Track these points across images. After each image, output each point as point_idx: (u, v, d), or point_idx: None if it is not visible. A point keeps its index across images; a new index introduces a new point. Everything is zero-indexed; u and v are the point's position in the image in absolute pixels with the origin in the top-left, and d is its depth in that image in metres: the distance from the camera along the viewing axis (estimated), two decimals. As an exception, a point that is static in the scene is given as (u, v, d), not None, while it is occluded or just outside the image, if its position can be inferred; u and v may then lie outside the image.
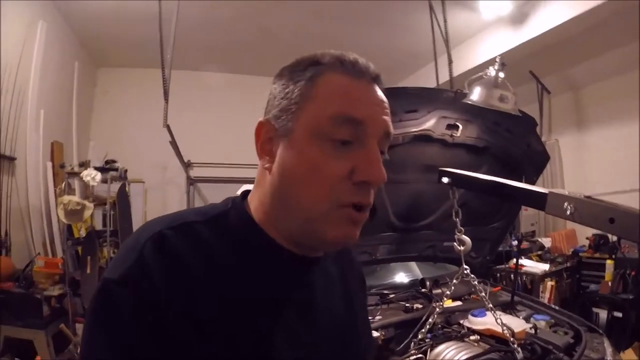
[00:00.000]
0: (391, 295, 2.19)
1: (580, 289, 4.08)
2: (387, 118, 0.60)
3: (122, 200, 4.03)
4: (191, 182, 6.00)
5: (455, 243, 1.62)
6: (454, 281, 1.68)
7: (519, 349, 1.51)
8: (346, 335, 0.68)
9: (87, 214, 3.46)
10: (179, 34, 3.06)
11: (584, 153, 4.93)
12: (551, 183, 5.03)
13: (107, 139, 5.34)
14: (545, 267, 4.00)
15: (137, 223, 4.53)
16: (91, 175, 3.47)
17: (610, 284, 3.65)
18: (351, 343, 0.68)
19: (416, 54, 5.13)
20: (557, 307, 2.24)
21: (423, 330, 1.65)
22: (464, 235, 1.59)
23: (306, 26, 4.66)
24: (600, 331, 1.90)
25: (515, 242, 4.16)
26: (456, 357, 1.59)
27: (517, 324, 1.82)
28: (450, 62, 3.61)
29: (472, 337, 1.77)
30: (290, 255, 0.61)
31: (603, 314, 3.58)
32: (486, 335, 1.78)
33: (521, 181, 1.96)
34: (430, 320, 1.66)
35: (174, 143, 3.88)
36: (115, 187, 4.03)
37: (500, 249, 3.51)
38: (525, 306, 2.24)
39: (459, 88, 2.06)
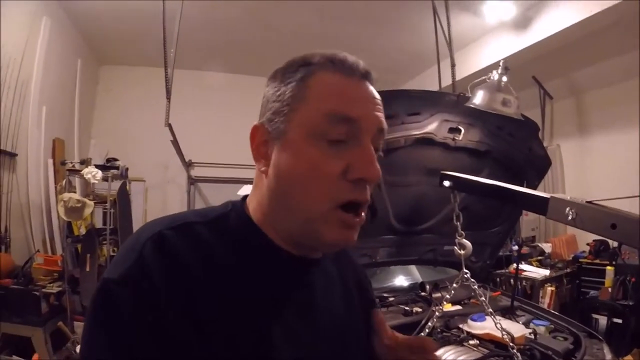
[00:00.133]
0: (391, 299, 2.19)
1: (580, 294, 4.07)
2: (380, 114, 0.60)
3: (123, 199, 4.03)
4: (192, 181, 6.00)
5: (455, 247, 1.61)
6: (454, 285, 1.67)
7: (518, 354, 1.50)
8: (346, 335, 0.68)
9: (87, 211, 3.46)
10: (181, 33, 3.06)
11: (585, 158, 4.93)
12: (552, 188, 5.03)
13: (109, 137, 5.34)
14: (546, 272, 3.99)
15: (137, 222, 4.53)
16: (92, 173, 3.47)
17: (610, 290, 3.64)
18: (351, 343, 0.68)
19: (419, 56, 5.13)
20: (556, 313, 2.23)
21: (422, 334, 1.64)
22: (464, 239, 1.58)
23: (309, 27, 4.66)
24: (600, 337, 1.89)
25: (515, 247, 4.15)
26: (455, 362, 1.59)
27: (517, 329, 1.81)
28: (453, 65, 3.61)
29: (471, 342, 1.76)
30: (290, 256, 0.62)
31: (603, 320, 3.57)
32: (485, 340, 1.77)
33: (523, 186, 1.95)
34: (429, 324, 1.65)
35: (175, 142, 3.88)
36: (116, 185, 4.03)
37: (500, 253, 3.50)
38: (524, 311, 2.23)
39: (461, 91, 2.05)
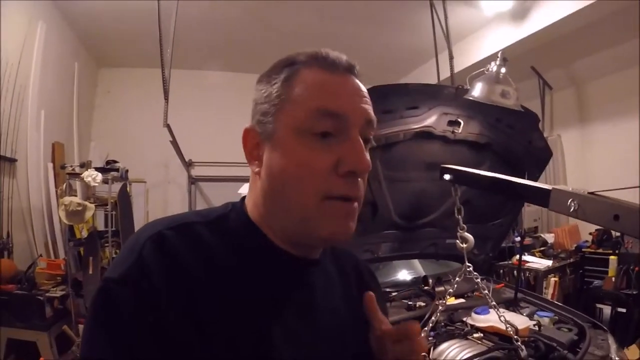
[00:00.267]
0: (394, 293, 2.19)
1: (584, 284, 4.06)
2: (366, 106, 0.61)
3: (124, 201, 4.02)
4: (192, 181, 6.00)
5: (457, 240, 1.60)
6: (457, 279, 1.66)
7: (523, 347, 1.49)
8: (346, 335, 0.68)
9: (88, 214, 3.45)
10: (180, 33, 3.05)
11: (586, 148, 4.91)
12: (553, 178, 5.01)
13: (109, 139, 5.35)
14: (549, 263, 3.98)
15: (138, 223, 4.53)
16: (92, 176, 3.46)
17: (614, 279, 3.64)
18: (352, 343, 0.68)
19: (417, 50, 5.10)
20: (560, 304, 2.23)
21: (426, 328, 1.64)
22: (466, 233, 1.57)
23: (308, 24, 4.64)
24: (605, 328, 1.89)
25: (518, 238, 4.15)
26: (459, 356, 1.58)
27: (521, 321, 1.81)
28: (451, 58, 3.59)
29: (475, 335, 1.76)
30: (289, 256, 0.62)
31: (607, 310, 3.57)
32: (489, 333, 1.77)
33: (524, 178, 1.94)
34: (433, 318, 1.64)
35: (174, 142, 3.87)
36: (117, 187, 4.03)
37: (503, 245, 3.50)
38: (528, 303, 2.23)
39: (460, 84, 2.04)
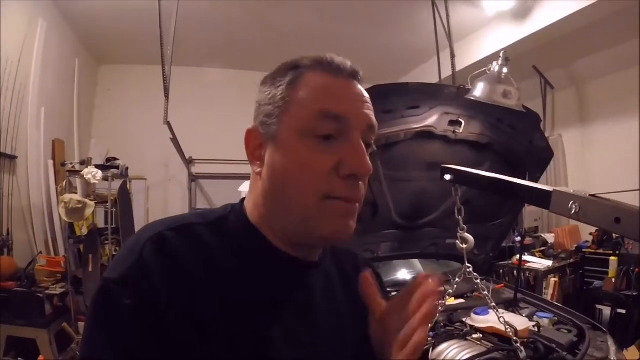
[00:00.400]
0: (393, 293, 2.18)
1: (584, 285, 4.05)
2: (369, 112, 0.62)
3: (124, 198, 4.02)
4: (193, 178, 5.99)
5: (457, 241, 1.60)
6: (457, 279, 1.66)
7: (522, 348, 1.49)
8: (347, 336, 0.68)
9: (88, 212, 3.45)
10: (181, 30, 3.05)
11: (588, 148, 4.90)
12: (555, 178, 5.00)
13: (109, 136, 5.34)
14: (549, 263, 3.97)
15: (139, 220, 4.53)
16: (92, 173, 3.46)
17: (614, 280, 3.63)
18: (352, 344, 0.68)
19: (418, 49, 5.09)
20: (560, 305, 2.22)
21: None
22: (466, 233, 1.57)
23: (308, 23, 4.62)
24: (604, 329, 1.88)
25: (518, 238, 4.14)
26: (458, 357, 1.58)
27: (520, 322, 1.80)
28: (452, 56, 3.59)
29: (474, 336, 1.76)
30: (288, 258, 0.62)
31: (606, 311, 3.56)
32: (489, 334, 1.77)
33: (524, 178, 1.94)
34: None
35: (175, 140, 3.87)
36: (117, 184, 4.03)
37: (503, 244, 3.49)
38: (528, 304, 2.22)
39: (461, 84, 2.03)
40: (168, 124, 3.19)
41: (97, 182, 3.61)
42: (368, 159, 0.59)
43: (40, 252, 3.60)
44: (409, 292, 0.59)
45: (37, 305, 2.96)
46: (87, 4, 4.21)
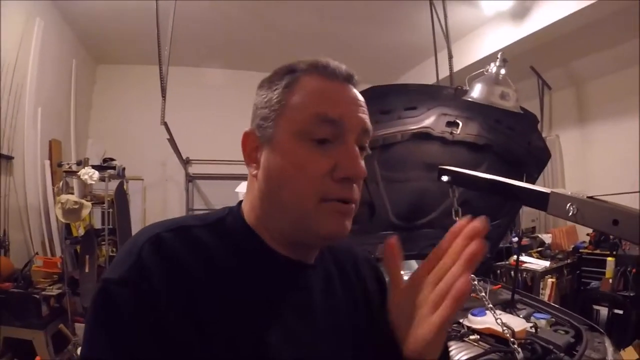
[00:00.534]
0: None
1: (581, 285, 4.07)
2: (364, 115, 0.62)
3: (120, 199, 4.01)
4: (190, 179, 5.98)
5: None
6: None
7: (519, 349, 1.49)
8: (346, 337, 0.68)
9: (84, 212, 3.44)
10: (179, 30, 3.04)
11: (585, 148, 4.91)
12: (552, 178, 5.02)
13: (106, 137, 5.33)
14: (546, 263, 3.98)
15: (135, 221, 4.52)
16: (89, 174, 3.45)
17: (611, 281, 3.64)
18: (352, 344, 0.68)
19: (416, 49, 5.10)
20: (557, 306, 2.23)
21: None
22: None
23: (307, 23, 4.62)
24: (602, 330, 1.88)
25: (515, 239, 4.15)
26: (455, 358, 1.58)
27: (518, 323, 1.80)
28: (450, 57, 3.58)
29: (471, 337, 1.76)
30: (286, 259, 0.63)
31: (604, 311, 3.57)
32: (486, 335, 1.76)
33: (522, 179, 1.94)
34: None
35: (172, 140, 3.86)
36: (114, 185, 4.01)
37: (500, 245, 3.49)
38: (525, 304, 2.23)
39: (459, 85, 2.03)
40: (165, 124, 3.18)
41: (94, 182, 3.60)
42: (362, 162, 0.60)
43: (37, 253, 3.59)
44: (449, 239, 0.56)
45: (34, 306, 2.95)
46: (86, 4, 4.19)
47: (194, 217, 0.64)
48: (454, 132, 1.99)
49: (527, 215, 4.79)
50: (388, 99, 1.80)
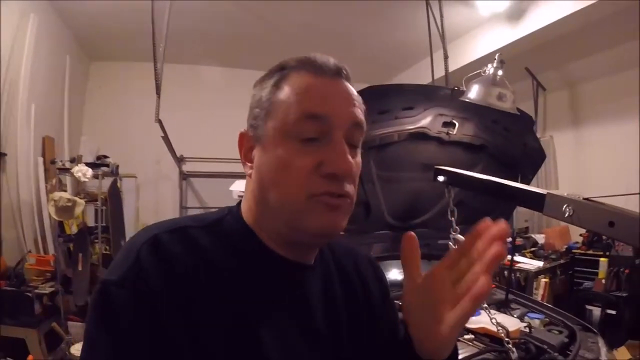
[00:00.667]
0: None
1: (574, 285, 4.09)
2: (353, 109, 0.61)
3: (114, 196, 3.99)
4: (184, 176, 5.96)
5: (450, 242, 1.60)
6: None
7: (514, 349, 1.49)
8: (345, 338, 0.68)
9: (78, 210, 3.42)
10: (175, 28, 3.03)
11: (579, 150, 4.94)
12: (545, 180, 5.04)
13: (100, 134, 5.29)
14: (539, 263, 4.01)
15: (129, 219, 4.50)
16: (82, 171, 3.43)
17: (604, 281, 3.66)
18: (351, 346, 0.68)
19: (412, 48, 5.11)
20: (551, 306, 2.24)
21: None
22: (459, 235, 1.57)
23: (303, 20, 4.62)
24: (595, 330, 1.89)
25: (509, 239, 4.16)
26: (451, 358, 1.58)
27: (512, 322, 1.81)
28: (446, 57, 3.59)
29: (466, 336, 1.76)
30: (284, 260, 0.63)
31: (596, 311, 3.60)
32: (480, 334, 1.77)
33: (517, 180, 1.94)
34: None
35: (166, 138, 3.84)
36: (107, 182, 3.99)
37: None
38: (519, 304, 2.23)
39: (456, 85, 2.03)
40: (159, 121, 3.17)
41: (87, 180, 3.58)
42: (349, 157, 0.58)
43: (30, 251, 3.56)
44: (472, 239, 0.56)
45: (27, 305, 2.92)
46: (80, 1, 4.15)
47: (192, 218, 0.64)
48: (451, 132, 2.00)
49: (521, 215, 4.82)
50: (385, 99, 1.80)
